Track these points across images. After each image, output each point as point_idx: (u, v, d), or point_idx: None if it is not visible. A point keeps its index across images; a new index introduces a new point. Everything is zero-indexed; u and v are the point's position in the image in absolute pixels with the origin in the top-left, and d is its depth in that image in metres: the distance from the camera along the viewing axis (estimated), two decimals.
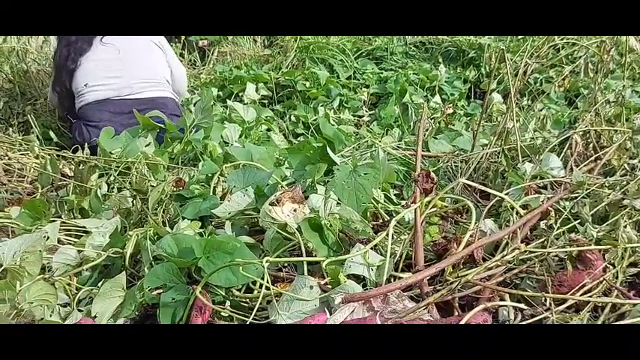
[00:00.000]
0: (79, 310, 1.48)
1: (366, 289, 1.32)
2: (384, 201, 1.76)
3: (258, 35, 4.76)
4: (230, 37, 4.89)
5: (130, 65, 2.97)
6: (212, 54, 4.77)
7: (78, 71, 2.93)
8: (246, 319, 1.26)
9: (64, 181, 2.27)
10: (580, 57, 2.66)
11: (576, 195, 1.65)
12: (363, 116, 3.63)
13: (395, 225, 1.43)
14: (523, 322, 1.22)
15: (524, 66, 2.34)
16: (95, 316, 1.43)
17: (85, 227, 1.84)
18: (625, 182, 1.64)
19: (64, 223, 1.88)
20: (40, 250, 1.45)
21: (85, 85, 2.90)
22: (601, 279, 1.29)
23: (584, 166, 1.91)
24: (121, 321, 1.40)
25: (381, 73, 4.04)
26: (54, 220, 1.84)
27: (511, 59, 2.28)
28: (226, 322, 1.33)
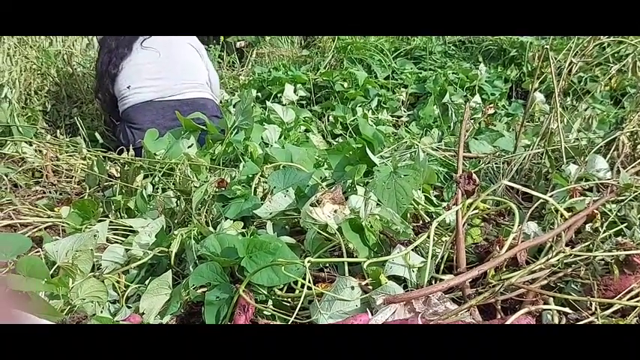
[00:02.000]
0: (128, 307, 1.53)
1: (407, 290, 1.32)
2: (425, 202, 1.75)
3: (296, 35, 4.78)
4: (268, 39, 4.92)
5: (170, 67, 3.04)
6: (250, 55, 4.82)
7: (120, 75, 3.01)
8: (288, 318, 1.28)
9: (110, 181, 2.34)
10: (627, 55, 2.59)
11: (623, 198, 1.62)
12: (402, 116, 3.62)
13: (435, 226, 1.43)
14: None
15: (569, 65, 2.29)
16: (143, 313, 1.47)
17: (131, 227, 1.90)
18: None
19: (111, 222, 1.95)
20: (92, 249, 1.50)
21: (127, 87, 2.97)
22: None
23: (632, 168, 1.87)
24: (167, 318, 1.44)
25: (420, 73, 4.02)
26: (103, 220, 1.90)
27: (555, 58, 2.23)
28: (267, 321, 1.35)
